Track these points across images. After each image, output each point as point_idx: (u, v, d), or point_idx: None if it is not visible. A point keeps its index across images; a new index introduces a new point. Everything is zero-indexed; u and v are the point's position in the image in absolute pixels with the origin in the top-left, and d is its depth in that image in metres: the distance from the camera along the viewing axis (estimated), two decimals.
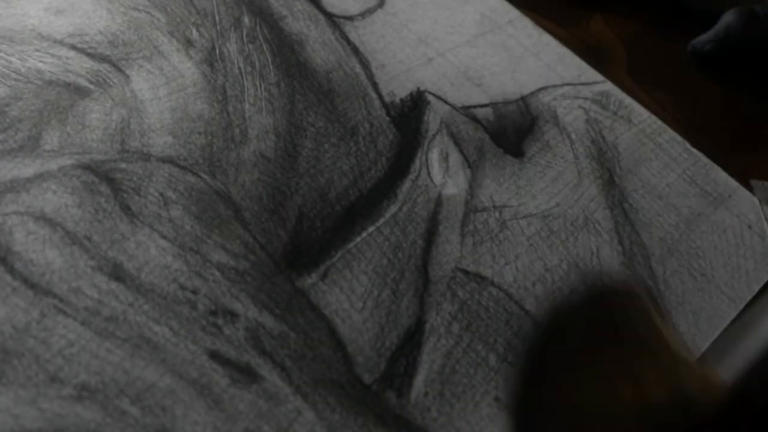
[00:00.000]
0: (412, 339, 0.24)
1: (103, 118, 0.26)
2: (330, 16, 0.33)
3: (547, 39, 0.35)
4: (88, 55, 0.28)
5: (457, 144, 0.29)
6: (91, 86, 0.27)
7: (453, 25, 0.34)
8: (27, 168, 0.24)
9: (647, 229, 0.28)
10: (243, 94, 0.28)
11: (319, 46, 0.31)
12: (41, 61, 0.27)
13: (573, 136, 0.31)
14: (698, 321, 0.26)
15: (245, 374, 0.21)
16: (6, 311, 0.21)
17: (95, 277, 0.22)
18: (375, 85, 0.31)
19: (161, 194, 0.25)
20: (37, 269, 0.22)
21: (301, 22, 0.32)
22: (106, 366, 0.21)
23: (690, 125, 0.34)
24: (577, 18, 0.38)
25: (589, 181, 0.29)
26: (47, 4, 0.29)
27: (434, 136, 0.29)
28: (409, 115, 0.30)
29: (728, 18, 0.38)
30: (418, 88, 0.31)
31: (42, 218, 0.23)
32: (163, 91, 0.28)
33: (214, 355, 0.22)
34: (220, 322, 0.22)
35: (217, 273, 0.23)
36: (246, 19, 0.31)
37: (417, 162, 0.28)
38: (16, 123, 0.25)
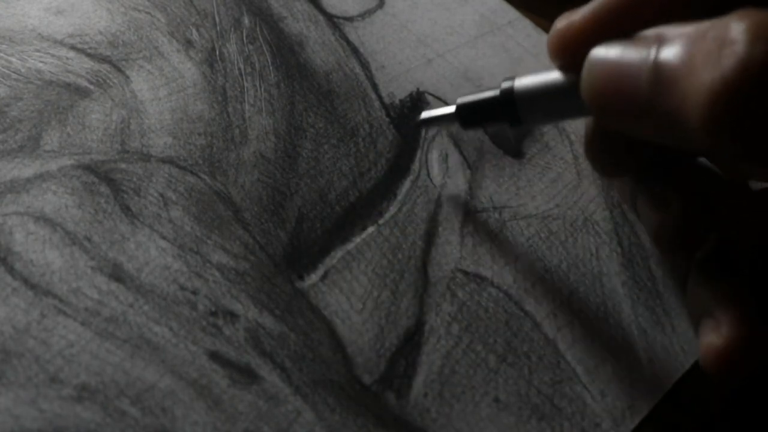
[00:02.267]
0: (412, 340, 0.24)
1: (103, 118, 0.26)
2: (330, 17, 0.33)
3: (546, 40, 0.35)
4: (88, 55, 0.28)
5: (456, 145, 0.29)
6: (91, 87, 0.27)
7: (452, 26, 0.34)
8: (27, 168, 0.24)
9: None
10: (243, 95, 0.28)
11: (319, 47, 0.31)
12: (41, 62, 0.27)
13: (572, 137, 0.31)
14: None
15: (245, 375, 0.22)
16: (6, 311, 0.21)
17: (95, 277, 0.22)
18: (375, 86, 0.31)
19: (161, 195, 0.25)
20: (37, 270, 0.22)
21: (300, 22, 0.32)
22: (106, 366, 0.21)
23: None
24: None
25: (588, 183, 0.29)
26: (47, 4, 0.29)
27: (434, 137, 0.29)
28: (409, 116, 0.30)
29: None
30: (418, 89, 0.31)
31: (42, 219, 0.23)
32: (163, 92, 0.28)
33: (214, 356, 0.22)
34: (220, 322, 0.22)
35: (217, 274, 0.23)
36: (246, 20, 0.31)
37: (417, 163, 0.28)
38: (16, 123, 0.25)
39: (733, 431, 0.25)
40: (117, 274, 0.23)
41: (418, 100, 0.31)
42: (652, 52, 0.18)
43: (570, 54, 0.22)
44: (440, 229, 0.27)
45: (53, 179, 0.24)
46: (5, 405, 0.19)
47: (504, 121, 0.24)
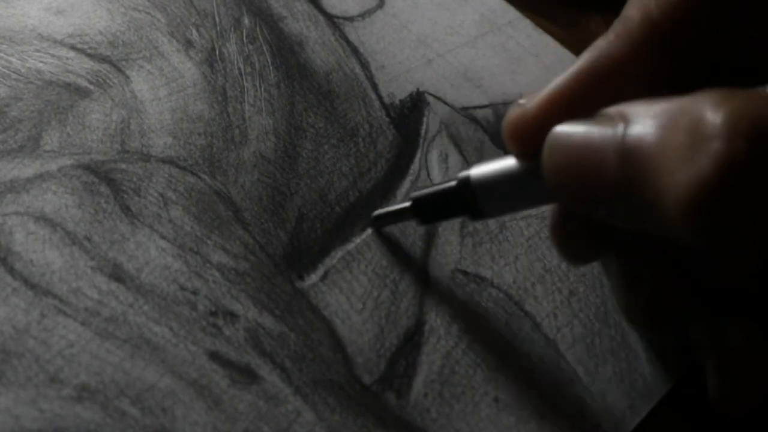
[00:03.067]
0: (412, 340, 0.24)
1: (103, 118, 0.26)
2: (330, 17, 0.33)
3: (546, 40, 0.35)
4: (88, 55, 0.28)
5: (456, 145, 0.29)
6: (91, 87, 0.27)
7: (452, 26, 0.34)
8: (27, 168, 0.24)
9: None
10: (243, 95, 0.28)
11: (319, 47, 0.31)
12: (41, 62, 0.27)
13: None
14: None
15: (245, 375, 0.22)
16: (6, 311, 0.21)
17: (95, 277, 0.22)
18: (375, 86, 0.31)
19: (161, 195, 0.25)
20: (37, 270, 0.22)
21: (300, 22, 0.32)
22: (106, 366, 0.21)
23: None
24: (576, 19, 0.38)
25: None
26: (47, 4, 0.29)
27: (434, 137, 0.29)
28: (409, 116, 0.30)
29: None
30: (418, 89, 0.31)
31: (42, 219, 0.23)
32: (163, 92, 0.28)
33: (214, 356, 0.22)
34: (220, 322, 0.22)
35: (217, 274, 0.23)
36: (246, 20, 0.31)
37: (416, 163, 0.28)
38: (16, 123, 0.25)
39: None
40: (117, 274, 0.23)
41: (418, 100, 0.31)
42: (619, 131, 0.16)
43: (528, 143, 0.20)
44: (440, 229, 0.27)
45: (53, 179, 0.24)
46: (5, 405, 0.19)
47: (464, 214, 0.22)
